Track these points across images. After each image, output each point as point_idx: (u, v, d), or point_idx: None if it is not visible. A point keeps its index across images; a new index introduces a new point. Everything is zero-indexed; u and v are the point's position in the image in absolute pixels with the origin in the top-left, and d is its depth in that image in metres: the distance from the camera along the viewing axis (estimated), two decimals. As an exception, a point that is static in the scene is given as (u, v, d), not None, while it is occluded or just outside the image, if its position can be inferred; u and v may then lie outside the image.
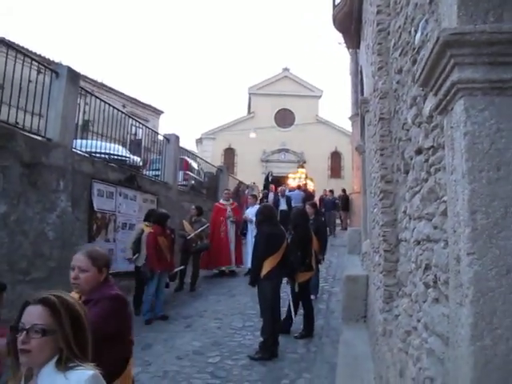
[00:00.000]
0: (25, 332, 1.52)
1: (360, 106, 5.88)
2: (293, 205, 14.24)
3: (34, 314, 1.54)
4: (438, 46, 1.59)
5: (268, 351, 5.34)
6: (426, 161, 2.29)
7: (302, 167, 28.04)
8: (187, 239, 9.00)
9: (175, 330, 6.41)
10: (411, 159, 2.82)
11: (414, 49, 2.61)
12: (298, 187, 19.00)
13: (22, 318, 1.56)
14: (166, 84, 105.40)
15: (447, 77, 1.65)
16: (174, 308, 7.59)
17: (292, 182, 22.68)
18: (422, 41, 2.38)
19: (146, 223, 7.67)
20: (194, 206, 9.80)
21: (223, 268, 10.16)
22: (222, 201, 11.05)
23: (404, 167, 3.19)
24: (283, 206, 14.33)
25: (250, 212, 10.06)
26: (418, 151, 2.52)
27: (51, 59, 17.86)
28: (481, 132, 1.55)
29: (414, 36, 2.58)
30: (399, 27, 3.30)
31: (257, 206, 9.11)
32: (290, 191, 17.15)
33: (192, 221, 9.42)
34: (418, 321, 2.58)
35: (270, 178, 21.99)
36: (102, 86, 22.59)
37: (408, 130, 3.00)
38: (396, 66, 3.40)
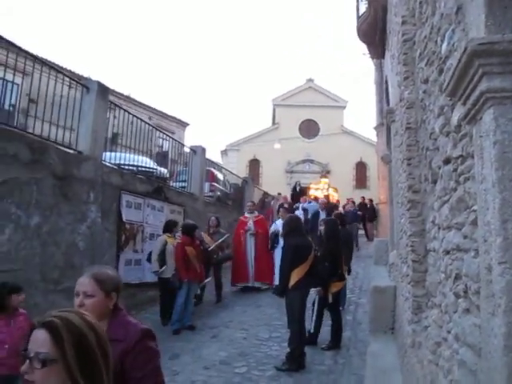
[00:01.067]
0: (28, 361, 1.30)
1: (386, 116, 5.86)
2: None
3: (38, 340, 1.32)
4: (465, 55, 1.60)
5: (295, 362, 5.31)
6: (455, 170, 2.28)
7: (325, 177, 27.33)
8: (208, 251, 8.77)
9: (202, 340, 6.44)
10: (439, 168, 2.80)
11: (440, 58, 2.60)
12: (315, 198, 17.92)
13: (29, 344, 1.35)
14: (192, 96, 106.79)
15: (475, 86, 1.66)
16: (201, 318, 7.63)
17: (314, 193, 22.34)
18: (448, 50, 2.38)
19: (168, 234, 7.76)
20: (214, 217, 9.65)
21: (249, 284, 9.80)
22: (246, 214, 10.80)
23: (432, 177, 3.17)
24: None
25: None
26: (447, 160, 2.51)
27: (80, 74, 18.33)
28: (510, 141, 1.55)
29: (441, 46, 2.58)
30: (425, 37, 3.30)
31: None
32: (308, 202, 16.44)
33: (210, 232, 9.30)
34: (449, 332, 2.54)
35: (297, 188, 21.82)
36: (128, 99, 23.04)
37: (435, 140, 2.99)
38: (422, 75, 3.39)
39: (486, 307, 1.64)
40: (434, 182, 3.10)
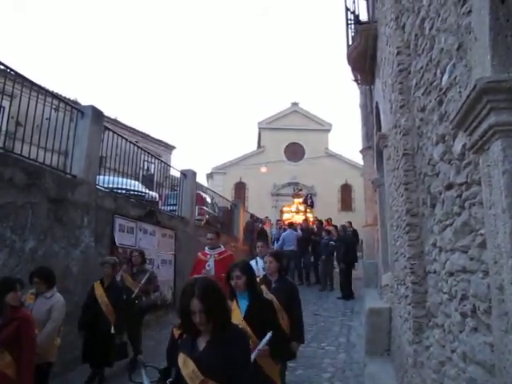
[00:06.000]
0: None
1: (378, 141, 6.04)
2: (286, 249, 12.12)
3: None
4: (474, 92, 1.74)
5: None
6: (459, 196, 2.40)
7: (298, 196, 23.85)
8: (132, 298, 6.54)
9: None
10: (440, 194, 2.93)
11: (440, 90, 2.76)
12: (290, 225, 14.88)
13: None
14: (178, 120, 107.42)
15: (483, 120, 1.80)
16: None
17: (289, 216, 20.39)
18: (449, 83, 2.54)
19: (32, 291, 4.70)
20: (137, 252, 7.20)
21: None
22: (206, 249, 7.12)
23: (430, 201, 3.30)
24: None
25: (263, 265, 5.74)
26: (449, 186, 2.64)
27: (67, 97, 18.37)
28: (518, 170, 1.68)
29: (441, 78, 2.75)
30: (421, 68, 3.48)
31: None
32: (284, 230, 13.79)
33: (133, 272, 6.95)
34: (453, 351, 2.63)
35: (308, 202, 19.77)
36: (115, 122, 23.10)
37: (434, 166, 3.13)
38: (419, 104, 3.56)
39: (499, 325, 1.74)
40: (433, 206, 3.23)
